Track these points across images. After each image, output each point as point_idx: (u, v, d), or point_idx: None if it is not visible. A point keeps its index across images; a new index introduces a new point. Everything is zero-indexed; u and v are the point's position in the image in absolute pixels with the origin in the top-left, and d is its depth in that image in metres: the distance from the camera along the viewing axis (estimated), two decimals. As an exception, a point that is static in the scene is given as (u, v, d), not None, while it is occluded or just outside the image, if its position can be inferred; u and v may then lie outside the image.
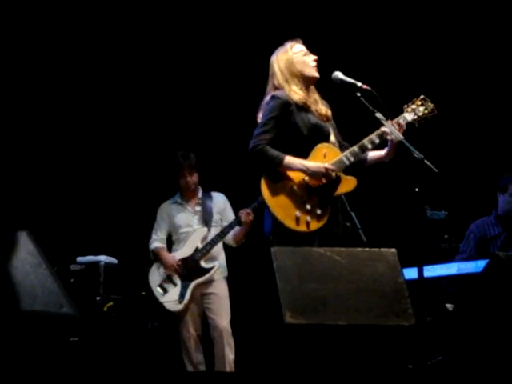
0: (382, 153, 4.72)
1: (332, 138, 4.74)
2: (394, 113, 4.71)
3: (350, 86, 4.70)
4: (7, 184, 7.31)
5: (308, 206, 4.52)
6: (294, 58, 4.72)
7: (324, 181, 4.53)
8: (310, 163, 4.55)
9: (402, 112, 4.74)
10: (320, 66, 4.77)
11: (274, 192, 4.55)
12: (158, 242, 6.52)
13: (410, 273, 4.84)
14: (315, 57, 4.77)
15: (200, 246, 6.39)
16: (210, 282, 6.39)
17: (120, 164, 7.83)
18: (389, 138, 4.60)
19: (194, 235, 6.44)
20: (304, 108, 4.67)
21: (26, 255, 4.06)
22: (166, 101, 7.92)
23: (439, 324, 4.72)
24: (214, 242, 6.38)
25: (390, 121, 4.61)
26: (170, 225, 6.55)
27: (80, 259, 6.72)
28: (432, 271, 5.44)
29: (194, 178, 6.51)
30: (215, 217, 6.52)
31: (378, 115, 4.58)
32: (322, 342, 3.77)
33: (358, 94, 4.64)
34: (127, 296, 6.71)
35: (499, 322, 4.19)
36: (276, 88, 4.72)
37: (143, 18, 7.73)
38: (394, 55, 7.55)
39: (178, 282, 6.33)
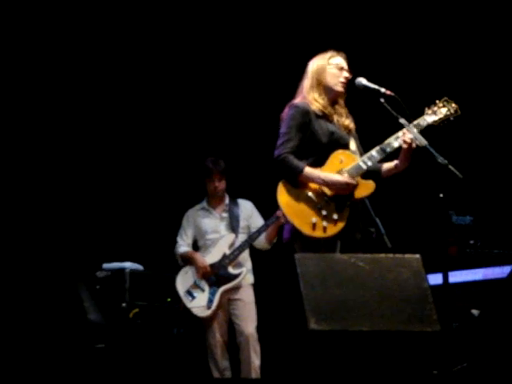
0: (395, 163, 4.71)
1: (352, 147, 4.74)
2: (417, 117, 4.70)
3: (374, 91, 4.70)
4: (35, 193, 7.37)
5: (324, 212, 4.53)
6: (327, 67, 4.77)
7: (346, 192, 4.55)
8: (330, 177, 4.56)
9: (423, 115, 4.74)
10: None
11: (290, 200, 4.58)
12: (185, 246, 6.53)
13: (435, 278, 4.82)
14: (348, 74, 4.79)
15: (228, 252, 6.39)
16: (236, 288, 6.38)
17: (145, 170, 7.86)
18: (404, 144, 4.58)
19: (221, 241, 6.44)
20: (323, 116, 4.70)
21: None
22: (192, 107, 7.94)
23: (465, 330, 4.70)
24: (241, 248, 6.38)
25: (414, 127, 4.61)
26: (196, 230, 6.55)
27: (106, 266, 6.73)
28: (457, 277, 5.41)
29: (222, 185, 6.53)
30: (242, 223, 6.52)
31: (402, 121, 4.58)
32: (346, 348, 3.77)
33: (382, 100, 4.64)
34: (153, 302, 6.72)
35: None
36: (304, 90, 4.76)
37: (174, 23, 7.77)
38: (419, 60, 7.52)
39: (206, 287, 6.33)
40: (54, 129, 7.62)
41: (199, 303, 6.30)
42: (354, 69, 4.88)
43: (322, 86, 4.76)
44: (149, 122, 7.90)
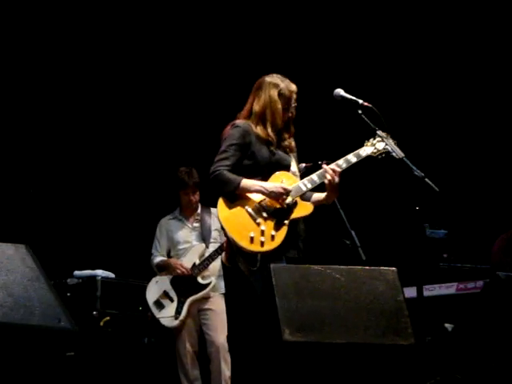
0: (323, 195, 4.69)
1: (293, 168, 4.71)
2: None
3: (351, 103, 4.68)
4: (6, 197, 7.31)
5: (263, 227, 4.49)
6: (277, 104, 4.64)
7: (281, 201, 4.51)
8: (268, 183, 4.55)
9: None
10: (321, 82, 4.76)
11: (230, 214, 4.54)
12: (160, 256, 6.50)
13: (409, 292, 4.81)
14: (291, 112, 4.71)
15: (197, 261, 6.36)
16: (206, 298, 6.36)
17: (118, 178, 7.82)
18: (327, 178, 4.54)
19: (191, 251, 6.41)
20: (264, 139, 4.65)
21: (24, 269, 4.04)
22: (165, 117, 7.93)
23: (438, 344, 4.70)
24: (211, 259, 6.34)
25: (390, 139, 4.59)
26: (169, 240, 6.52)
27: (77, 273, 6.69)
28: (431, 290, 5.42)
29: (196, 197, 6.50)
30: (213, 233, 6.50)
31: (379, 133, 4.56)
32: (320, 360, 3.75)
33: (359, 111, 4.62)
34: (124, 311, 6.68)
35: (498, 341, 4.17)
36: (250, 113, 4.71)
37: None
38: (396, 72, 7.54)
39: (175, 297, 6.30)
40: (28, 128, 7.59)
41: (167, 313, 6.27)
42: (332, 79, 4.87)
43: (268, 120, 4.66)
44: (121, 130, 7.88)
